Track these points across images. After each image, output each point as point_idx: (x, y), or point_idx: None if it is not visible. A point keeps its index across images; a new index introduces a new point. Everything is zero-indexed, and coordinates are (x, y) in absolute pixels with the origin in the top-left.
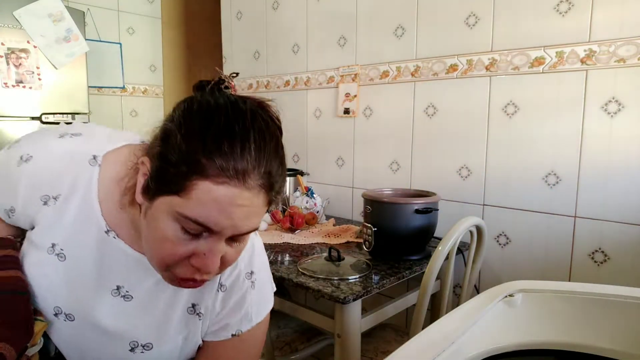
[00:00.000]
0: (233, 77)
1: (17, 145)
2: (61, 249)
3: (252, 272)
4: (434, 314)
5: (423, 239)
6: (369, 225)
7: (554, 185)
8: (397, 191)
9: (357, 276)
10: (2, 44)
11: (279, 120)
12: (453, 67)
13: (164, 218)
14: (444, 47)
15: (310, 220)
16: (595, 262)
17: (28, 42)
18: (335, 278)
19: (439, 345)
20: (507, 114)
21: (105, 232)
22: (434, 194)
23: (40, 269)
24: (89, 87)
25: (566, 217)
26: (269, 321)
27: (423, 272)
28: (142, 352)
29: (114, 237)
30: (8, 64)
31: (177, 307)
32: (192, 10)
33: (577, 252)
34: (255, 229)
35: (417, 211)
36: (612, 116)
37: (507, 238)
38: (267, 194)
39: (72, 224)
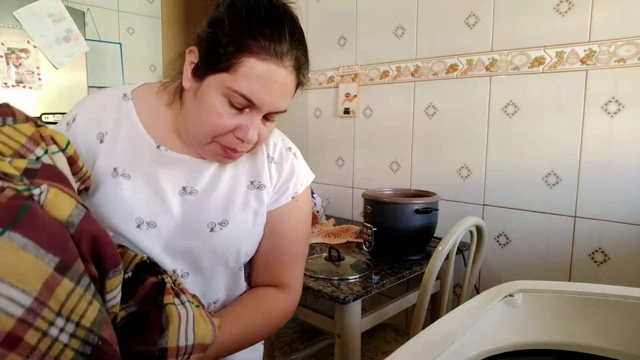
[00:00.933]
0: None
1: (62, 118)
2: (124, 170)
3: (290, 148)
4: (434, 314)
5: (423, 239)
6: (369, 225)
7: (554, 185)
8: (397, 191)
9: (357, 276)
10: (2, 44)
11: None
12: (453, 67)
13: (214, 94)
14: (444, 47)
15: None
16: (595, 262)
17: (28, 42)
18: (335, 278)
19: (439, 345)
20: (507, 114)
21: (157, 147)
22: (434, 194)
23: (112, 193)
24: (89, 87)
25: (566, 217)
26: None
27: (423, 272)
28: (221, 228)
29: (165, 150)
30: (8, 64)
31: (238, 187)
32: (192, 10)
33: (577, 252)
34: (285, 110)
35: (417, 211)
36: (612, 116)
37: (507, 238)
38: (297, 76)
39: (126, 149)
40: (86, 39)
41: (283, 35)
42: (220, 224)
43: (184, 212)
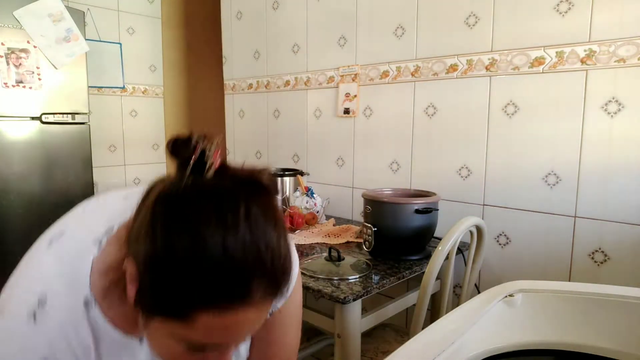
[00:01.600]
0: (212, 144)
1: (23, 303)
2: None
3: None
4: (434, 314)
5: (423, 239)
6: (369, 225)
7: (554, 185)
8: (397, 191)
9: (357, 276)
10: (2, 44)
11: (275, 187)
12: (453, 67)
13: (166, 338)
14: (444, 47)
15: (310, 220)
16: (595, 262)
17: (28, 42)
18: (335, 278)
19: (439, 345)
20: (507, 114)
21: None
22: (434, 194)
23: None
24: (89, 87)
25: (566, 217)
26: (301, 280)
27: (423, 272)
28: None
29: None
30: (8, 64)
31: None
32: (192, 10)
33: (577, 252)
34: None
35: (417, 211)
36: (612, 116)
37: (507, 238)
38: (274, 297)
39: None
40: (86, 39)
41: (248, 272)
42: None
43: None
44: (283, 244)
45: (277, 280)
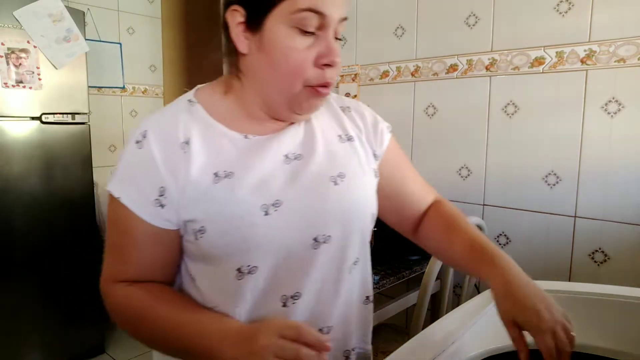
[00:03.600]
0: None
1: (129, 138)
2: (224, 171)
3: (357, 101)
4: (434, 314)
5: None
6: None
7: (554, 185)
8: None
9: None
10: (2, 44)
11: None
12: (453, 67)
13: (282, 30)
14: (444, 47)
15: None
16: (595, 262)
17: (28, 42)
18: None
19: (439, 345)
20: (507, 114)
21: (245, 137)
22: None
23: (224, 196)
24: (89, 87)
25: (566, 217)
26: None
27: (423, 272)
28: (342, 180)
29: (253, 136)
30: (8, 64)
31: (332, 142)
32: (192, 10)
33: (577, 252)
34: (346, 19)
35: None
36: (612, 116)
37: (507, 238)
38: None
39: (216, 151)
40: (86, 39)
41: None
42: (338, 177)
43: (300, 175)
44: None
45: None
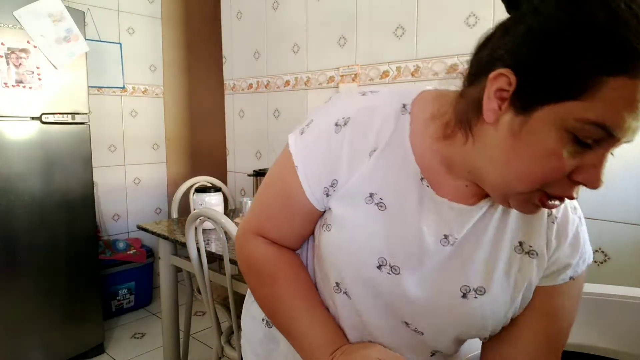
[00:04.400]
0: None
1: (325, 115)
2: (380, 198)
3: (575, 208)
4: None
5: None
6: None
7: None
8: None
9: None
10: (2, 44)
11: None
12: (453, 67)
13: (551, 130)
14: (444, 47)
15: None
16: (595, 262)
17: (28, 42)
18: None
19: None
20: None
21: (421, 179)
22: None
23: (361, 220)
24: (89, 87)
25: None
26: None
27: None
28: (475, 297)
29: (427, 186)
30: (8, 64)
31: (502, 245)
32: (192, 10)
33: None
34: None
35: None
36: None
37: None
38: None
39: (390, 174)
40: (86, 39)
41: None
42: (476, 291)
43: (439, 265)
44: None
45: None
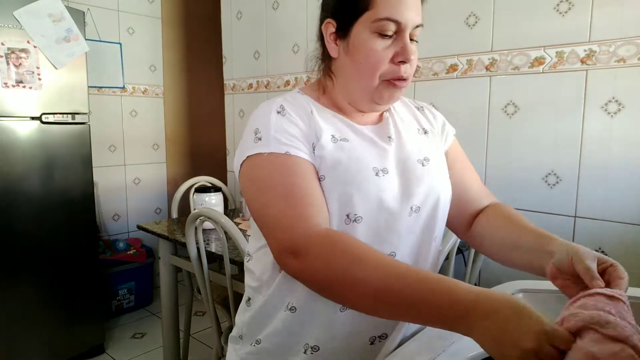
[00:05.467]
0: None
1: (265, 113)
2: (340, 137)
3: (428, 106)
4: None
5: None
6: None
7: (554, 185)
8: None
9: None
10: (2, 44)
11: None
12: (453, 67)
13: (364, 35)
14: (444, 47)
15: None
16: None
17: (28, 42)
18: None
19: (439, 345)
20: (507, 114)
21: (344, 119)
22: None
23: (347, 153)
24: (89, 87)
25: (566, 217)
26: None
27: None
28: (427, 164)
29: (352, 123)
30: (8, 64)
31: (413, 133)
32: (192, 10)
33: None
34: (421, 25)
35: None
36: (612, 116)
37: None
38: None
39: (328, 122)
40: (86, 39)
41: None
42: (425, 160)
43: (397, 155)
44: None
45: None
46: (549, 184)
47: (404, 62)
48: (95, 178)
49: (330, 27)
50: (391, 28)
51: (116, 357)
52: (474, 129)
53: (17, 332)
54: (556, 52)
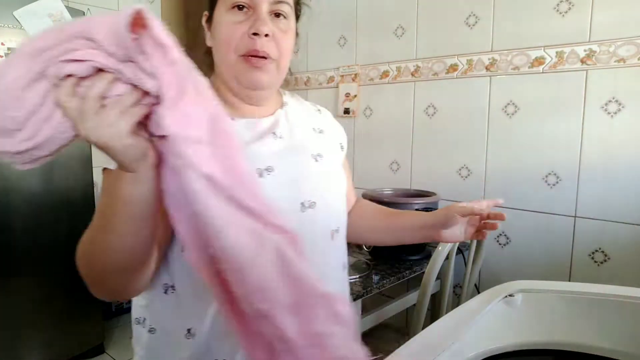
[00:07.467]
0: None
1: None
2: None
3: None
4: (434, 314)
5: None
6: None
7: (554, 185)
8: (397, 191)
9: (357, 276)
10: (2, 44)
11: None
12: (453, 67)
13: (222, 15)
14: (444, 47)
15: None
16: (595, 262)
17: None
18: None
19: (439, 345)
20: (507, 114)
21: (232, 119)
22: (434, 194)
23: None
24: None
25: (566, 217)
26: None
27: (423, 272)
28: (320, 160)
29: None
30: None
31: (304, 131)
32: (192, 10)
33: (577, 252)
34: (284, 1)
35: (418, 211)
36: (612, 116)
37: (507, 238)
38: None
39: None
40: None
41: None
42: (318, 156)
43: (286, 149)
44: None
45: None
46: (549, 184)
47: (256, 33)
48: (95, 178)
49: (205, 18)
50: (245, 1)
51: (116, 357)
52: (474, 129)
53: (17, 332)
54: (556, 52)
